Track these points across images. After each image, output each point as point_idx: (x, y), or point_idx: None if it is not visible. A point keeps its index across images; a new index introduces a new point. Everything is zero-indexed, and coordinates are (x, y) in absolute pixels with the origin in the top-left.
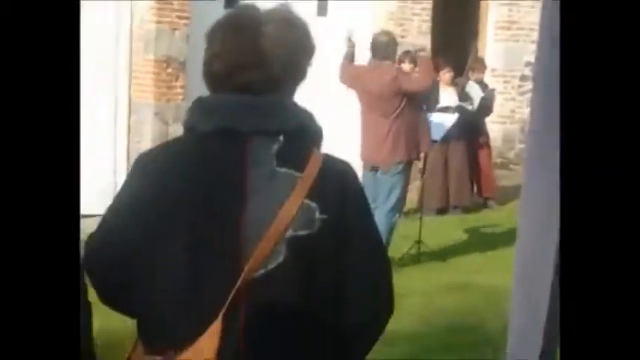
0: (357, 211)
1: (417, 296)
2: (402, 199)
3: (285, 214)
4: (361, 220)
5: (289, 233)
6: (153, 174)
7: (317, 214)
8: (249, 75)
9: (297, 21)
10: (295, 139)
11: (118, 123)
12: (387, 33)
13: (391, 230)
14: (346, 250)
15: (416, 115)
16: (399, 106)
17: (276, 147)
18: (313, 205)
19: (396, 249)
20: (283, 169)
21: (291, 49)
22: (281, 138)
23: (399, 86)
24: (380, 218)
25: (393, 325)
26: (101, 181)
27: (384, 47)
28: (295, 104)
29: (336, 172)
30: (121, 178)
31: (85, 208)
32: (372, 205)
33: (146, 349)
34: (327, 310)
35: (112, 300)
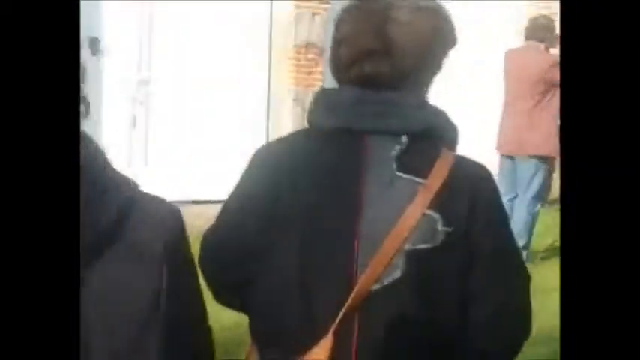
0: (489, 224)
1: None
2: (545, 186)
3: (403, 225)
4: (494, 233)
5: (408, 246)
6: (268, 172)
7: (440, 226)
8: (374, 64)
9: (432, 7)
10: (421, 141)
11: (258, 108)
12: (546, 17)
13: (533, 221)
14: (475, 268)
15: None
16: (547, 96)
17: (397, 149)
18: (436, 216)
19: (539, 241)
20: (404, 175)
21: (423, 39)
22: (404, 139)
23: (555, 75)
24: (521, 209)
25: (535, 324)
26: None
27: (543, 30)
28: (424, 102)
29: (467, 178)
30: None
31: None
32: (511, 195)
33: (260, 354)
34: (451, 334)
35: (225, 299)
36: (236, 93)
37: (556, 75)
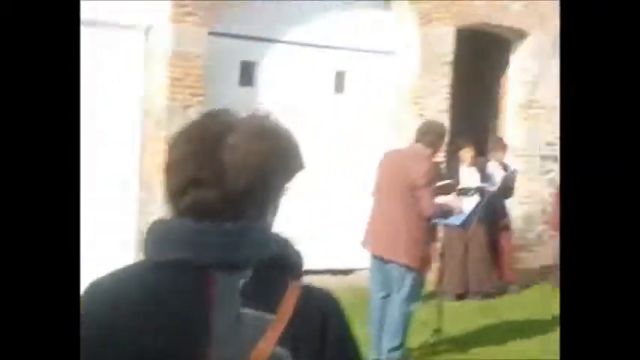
0: (338, 354)
1: None
2: (417, 286)
3: None
4: None
5: None
6: (100, 310)
7: None
8: (205, 193)
9: (274, 130)
10: (266, 273)
11: (127, 200)
12: (437, 123)
13: (406, 322)
14: None
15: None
16: (415, 200)
17: (242, 283)
18: (285, 352)
19: (414, 337)
20: (251, 311)
21: (259, 165)
22: (248, 272)
23: (429, 181)
24: (393, 309)
25: None
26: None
27: (434, 136)
28: (265, 230)
29: (315, 308)
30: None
31: None
32: (382, 293)
33: None
34: None
35: None
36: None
37: (427, 180)
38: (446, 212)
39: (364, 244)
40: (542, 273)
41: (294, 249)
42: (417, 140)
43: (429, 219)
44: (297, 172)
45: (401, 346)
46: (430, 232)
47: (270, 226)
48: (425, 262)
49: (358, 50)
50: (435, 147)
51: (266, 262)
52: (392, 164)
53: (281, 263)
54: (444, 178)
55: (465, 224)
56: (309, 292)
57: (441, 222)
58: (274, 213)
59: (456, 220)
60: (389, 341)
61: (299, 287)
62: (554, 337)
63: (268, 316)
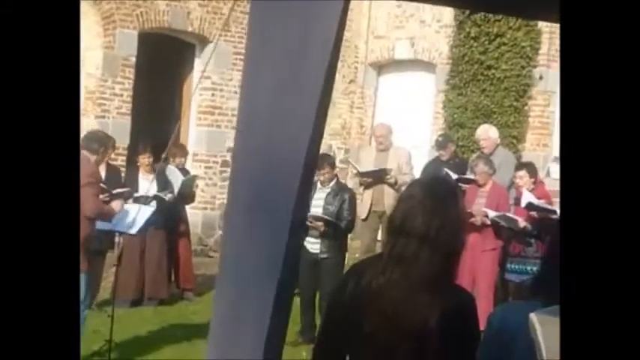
0: None
1: None
2: (88, 293)
3: None
4: None
5: None
6: None
7: None
8: None
9: None
10: None
11: None
12: (100, 132)
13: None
14: None
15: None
16: None
17: None
18: None
19: (86, 346)
20: None
21: None
22: None
23: (89, 183)
24: None
25: None
26: None
27: (93, 142)
28: None
29: None
30: None
31: None
32: None
33: None
34: None
35: None
36: None
37: (86, 182)
38: (106, 214)
39: None
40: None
41: None
42: (82, 147)
43: (91, 219)
44: None
45: None
46: (97, 238)
47: None
48: (94, 268)
49: None
50: (98, 153)
51: None
52: None
53: None
54: (122, 182)
55: (140, 232)
56: None
57: (115, 229)
58: None
59: (131, 228)
60: None
61: None
62: None
63: None
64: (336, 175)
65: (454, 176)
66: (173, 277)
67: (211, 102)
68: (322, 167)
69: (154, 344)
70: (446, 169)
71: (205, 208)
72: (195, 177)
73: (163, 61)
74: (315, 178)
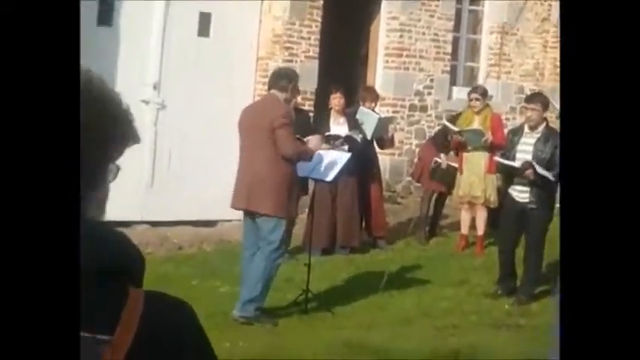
0: None
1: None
2: (285, 240)
3: None
4: None
5: None
6: None
7: None
8: None
9: (99, 97)
10: (102, 284)
11: None
12: (289, 68)
13: (268, 275)
14: None
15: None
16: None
17: None
18: None
19: (281, 295)
20: (84, 334)
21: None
22: None
23: (286, 122)
24: (260, 261)
25: None
26: None
27: (285, 80)
28: (99, 233)
29: (166, 321)
30: None
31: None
32: (252, 250)
33: None
34: None
35: None
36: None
37: (283, 122)
38: (305, 152)
39: (233, 202)
40: (409, 226)
41: (131, 245)
42: (270, 87)
43: (290, 160)
44: (127, 143)
45: (256, 300)
46: (296, 181)
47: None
48: (291, 212)
49: None
50: (288, 91)
51: (98, 274)
52: (249, 117)
53: (117, 266)
54: (312, 126)
55: (335, 179)
56: (157, 301)
57: (311, 176)
58: (103, 199)
59: (326, 175)
60: (246, 293)
61: (142, 297)
62: (426, 293)
63: (105, 338)
64: (546, 119)
65: None
66: (364, 225)
67: (399, 44)
68: (533, 104)
69: (350, 293)
70: None
71: (393, 154)
72: (392, 118)
73: (351, 3)
74: (523, 120)
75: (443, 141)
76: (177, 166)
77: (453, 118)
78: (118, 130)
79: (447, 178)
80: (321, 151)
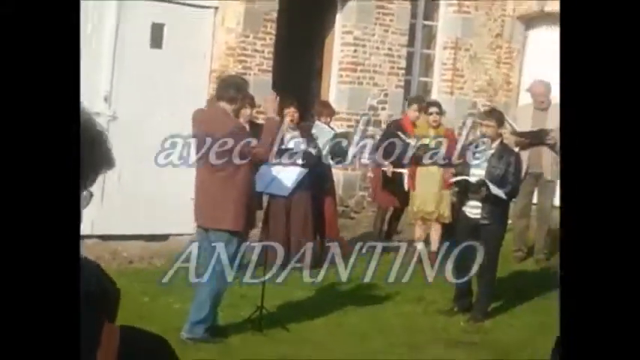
0: None
1: None
2: (236, 256)
3: None
4: None
5: None
6: None
7: None
8: None
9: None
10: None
11: None
12: (237, 76)
13: (219, 293)
14: None
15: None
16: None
17: None
18: None
19: (235, 312)
20: None
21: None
22: None
23: (238, 136)
24: (209, 279)
25: None
26: None
27: (234, 90)
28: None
29: (142, 356)
30: None
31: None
32: (203, 266)
33: None
34: None
35: None
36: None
37: (234, 138)
38: (257, 155)
39: (194, 217)
40: (363, 239)
41: (106, 277)
42: (218, 98)
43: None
44: (100, 169)
45: (205, 320)
46: (252, 195)
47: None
48: (247, 227)
49: (177, 3)
50: (237, 102)
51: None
52: (199, 127)
53: (92, 298)
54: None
55: (291, 194)
56: (132, 335)
57: (267, 191)
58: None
59: (283, 190)
60: (194, 313)
61: (117, 331)
62: (382, 309)
63: None
64: (501, 135)
65: None
66: (318, 238)
67: (353, 58)
68: (488, 120)
69: (305, 310)
70: None
71: (346, 169)
72: (347, 133)
73: (305, 16)
74: (478, 133)
75: (387, 147)
76: (128, 179)
77: (397, 125)
78: (93, 155)
79: (400, 191)
80: (277, 167)
